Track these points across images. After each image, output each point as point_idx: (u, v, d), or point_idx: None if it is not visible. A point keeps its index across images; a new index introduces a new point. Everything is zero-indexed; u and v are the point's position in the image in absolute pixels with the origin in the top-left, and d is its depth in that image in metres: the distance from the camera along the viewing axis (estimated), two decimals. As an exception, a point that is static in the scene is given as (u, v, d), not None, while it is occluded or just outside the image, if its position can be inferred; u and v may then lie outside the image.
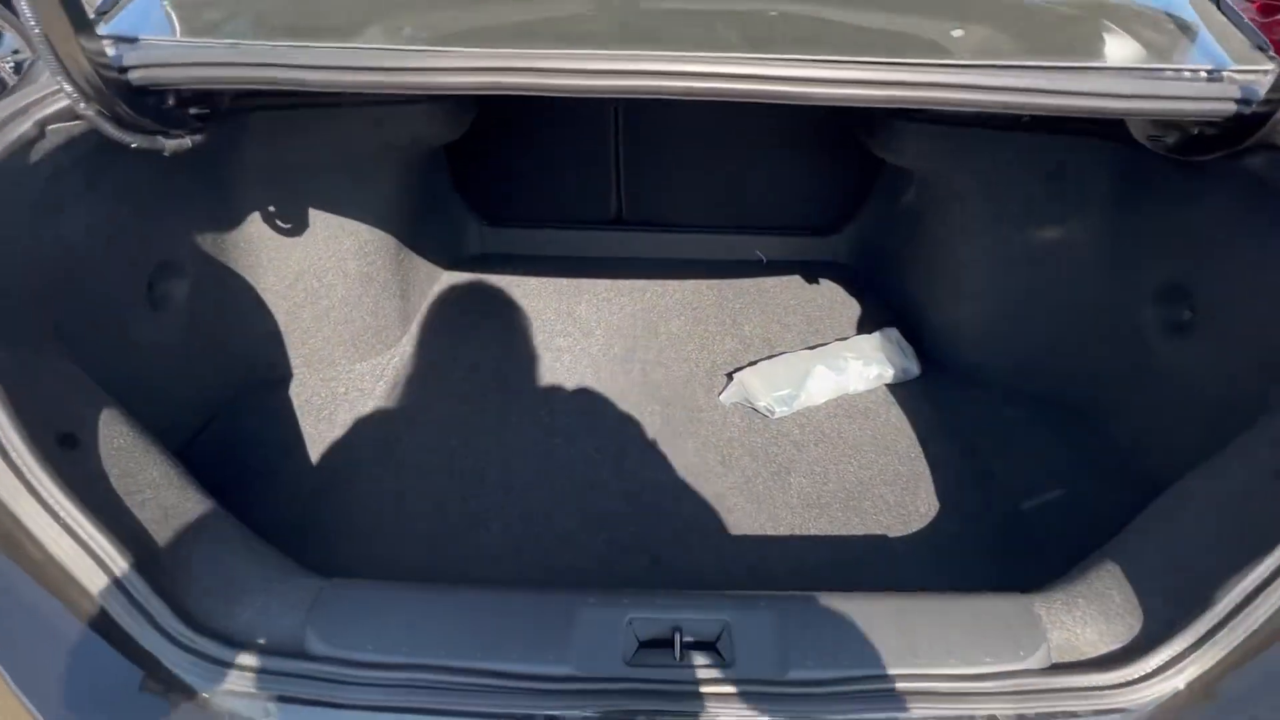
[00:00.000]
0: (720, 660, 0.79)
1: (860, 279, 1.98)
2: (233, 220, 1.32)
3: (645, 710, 0.75)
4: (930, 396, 1.54)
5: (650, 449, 1.39)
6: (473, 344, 1.68)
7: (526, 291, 1.89)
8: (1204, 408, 1.10)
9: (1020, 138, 1.33)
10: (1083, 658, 0.81)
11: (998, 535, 1.24)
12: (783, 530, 1.22)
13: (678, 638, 0.80)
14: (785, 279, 2.00)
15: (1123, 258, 1.28)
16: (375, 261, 1.55)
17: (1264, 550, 0.74)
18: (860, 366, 1.54)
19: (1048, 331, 1.47)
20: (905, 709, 0.76)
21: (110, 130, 0.81)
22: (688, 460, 1.36)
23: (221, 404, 1.37)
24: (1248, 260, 1.02)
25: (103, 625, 0.73)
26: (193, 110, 0.93)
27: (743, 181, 2.03)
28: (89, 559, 0.72)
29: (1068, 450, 1.39)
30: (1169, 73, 0.89)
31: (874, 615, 0.83)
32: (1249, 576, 0.75)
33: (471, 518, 1.24)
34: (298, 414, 1.42)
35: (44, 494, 0.71)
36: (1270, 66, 0.80)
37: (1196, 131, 0.91)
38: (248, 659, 0.77)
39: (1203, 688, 0.76)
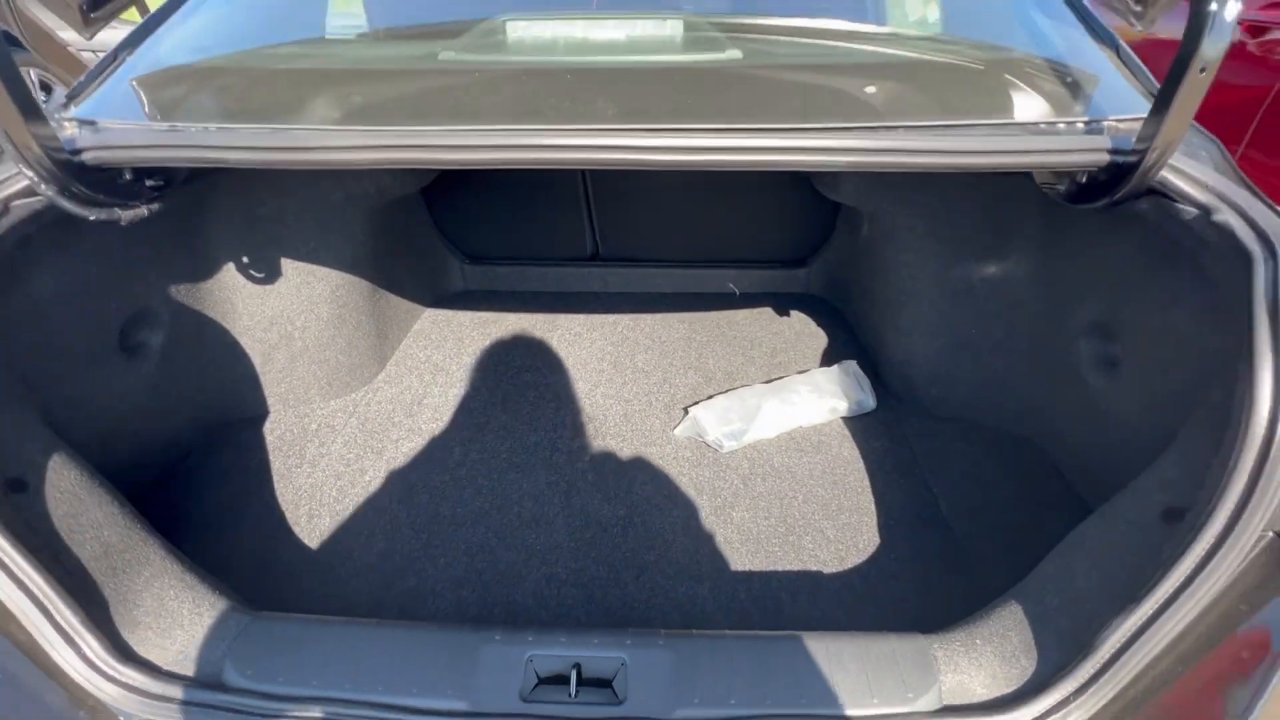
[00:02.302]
0: (613, 698, 0.82)
1: (829, 310, 2.00)
2: (207, 270, 1.42)
3: (537, 746, 0.79)
4: (884, 430, 1.55)
5: (599, 484, 1.42)
6: (442, 381, 1.75)
7: (502, 327, 1.96)
8: (1136, 441, 1.10)
9: (955, 178, 1.35)
10: (973, 700, 0.82)
11: (937, 571, 1.23)
12: (719, 566, 1.24)
13: (574, 674, 0.83)
14: (756, 311, 2.03)
15: (1055, 295, 1.29)
16: (347, 304, 1.64)
17: (1144, 595, 0.75)
18: (815, 399, 1.56)
19: (994, 366, 1.47)
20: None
21: (68, 206, 0.90)
22: (634, 497, 1.39)
23: (196, 441, 1.46)
24: (1154, 299, 1.03)
25: (38, 657, 0.80)
26: (149, 182, 1.02)
27: (713, 217, 2.08)
28: (25, 597, 0.79)
29: (1015, 481, 1.38)
30: (1059, 125, 0.91)
31: (769, 655, 0.85)
32: (1128, 621, 0.75)
33: (421, 553, 1.29)
34: (269, 451, 1.50)
35: None
36: (1144, 115, 0.82)
37: (1084, 179, 0.93)
38: (170, 690, 0.82)
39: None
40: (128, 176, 0.98)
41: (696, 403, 1.61)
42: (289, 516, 1.36)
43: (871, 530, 1.31)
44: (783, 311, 2.03)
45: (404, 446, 1.54)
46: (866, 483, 1.42)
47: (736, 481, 1.42)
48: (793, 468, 1.46)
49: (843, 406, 1.57)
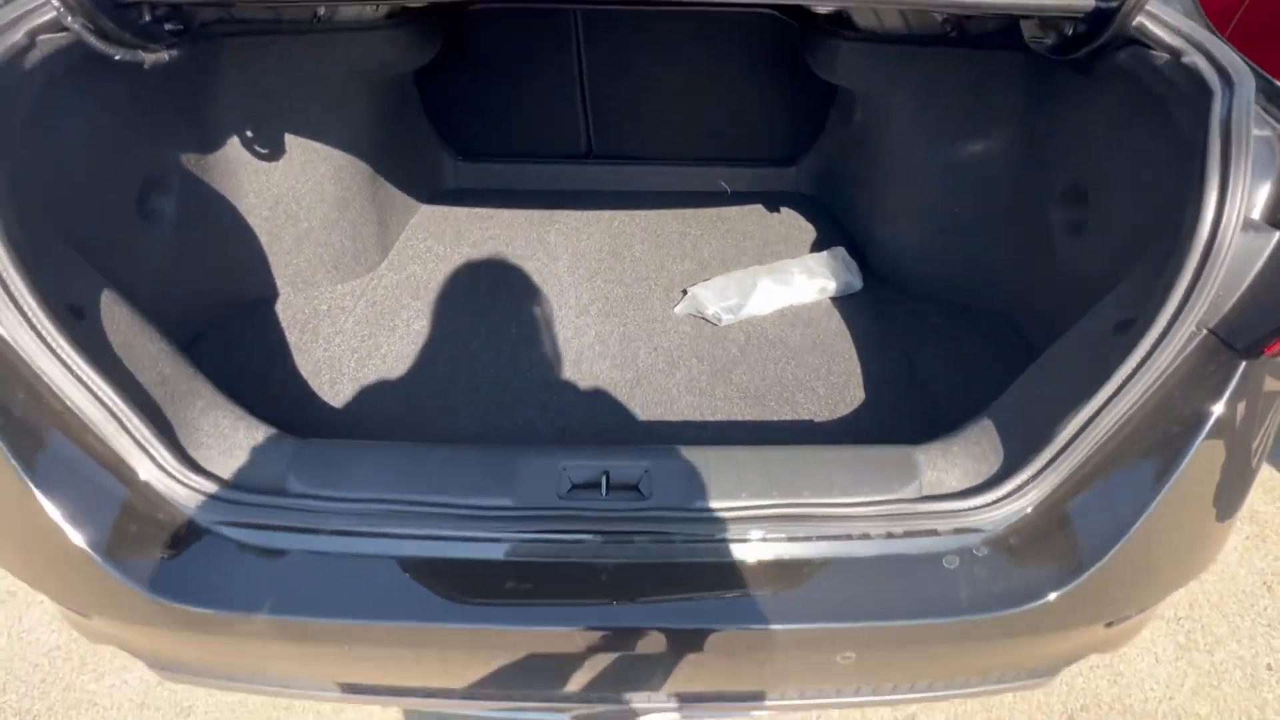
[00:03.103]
0: (639, 495, 0.93)
1: (818, 207, 2.08)
2: (214, 142, 1.42)
3: (574, 530, 0.90)
4: (870, 308, 1.66)
5: (605, 354, 1.52)
6: (446, 268, 1.79)
7: (499, 222, 1.99)
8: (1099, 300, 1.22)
9: (946, 52, 1.41)
10: (949, 491, 0.95)
11: (920, 427, 1.37)
12: (720, 417, 1.36)
13: (604, 479, 0.94)
14: (747, 208, 2.10)
15: (1033, 164, 1.38)
16: (350, 186, 1.65)
17: (1092, 393, 0.87)
18: (805, 280, 1.65)
19: (975, 243, 1.58)
20: (790, 529, 0.90)
21: (95, 43, 0.91)
22: (639, 363, 1.49)
23: (209, 321, 1.50)
24: (1125, 154, 1.12)
25: (113, 464, 0.87)
26: (168, 26, 1.02)
27: (706, 114, 2.11)
28: (100, 409, 0.86)
29: (992, 353, 1.51)
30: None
31: (774, 461, 0.97)
32: (1078, 416, 0.88)
33: (441, 414, 1.38)
34: (284, 328, 1.55)
35: (60, 351, 0.84)
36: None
37: (1070, 31, 1.01)
38: (237, 495, 0.91)
39: (1048, 509, 0.90)
40: (147, 17, 0.98)
41: (694, 284, 1.69)
42: (311, 384, 1.43)
43: (858, 390, 1.44)
44: (773, 208, 2.09)
45: (415, 325, 1.60)
46: (853, 352, 1.54)
47: (734, 350, 1.53)
48: (786, 339, 1.56)
49: (831, 287, 1.67)
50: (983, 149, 1.49)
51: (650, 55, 1.96)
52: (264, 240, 1.55)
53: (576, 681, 0.94)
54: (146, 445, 0.87)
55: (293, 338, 1.52)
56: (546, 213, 2.04)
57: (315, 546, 0.89)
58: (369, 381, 1.44)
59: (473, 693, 0.99)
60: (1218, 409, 0.80)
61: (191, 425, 0.97)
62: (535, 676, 0.94)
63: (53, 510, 0.82)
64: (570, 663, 0.93)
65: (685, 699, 0.99)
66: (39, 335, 0.82)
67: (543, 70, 1.98)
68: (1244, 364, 0.80)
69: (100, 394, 0.85)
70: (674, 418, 1.36)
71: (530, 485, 0.93)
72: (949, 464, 0.97)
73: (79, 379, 0.84)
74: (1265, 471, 2.17)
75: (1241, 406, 0.81)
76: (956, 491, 0.94)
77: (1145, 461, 0.85)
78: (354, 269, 1.72)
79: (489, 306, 1.67)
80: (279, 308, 1.59)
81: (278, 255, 1.59)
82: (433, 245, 1.88)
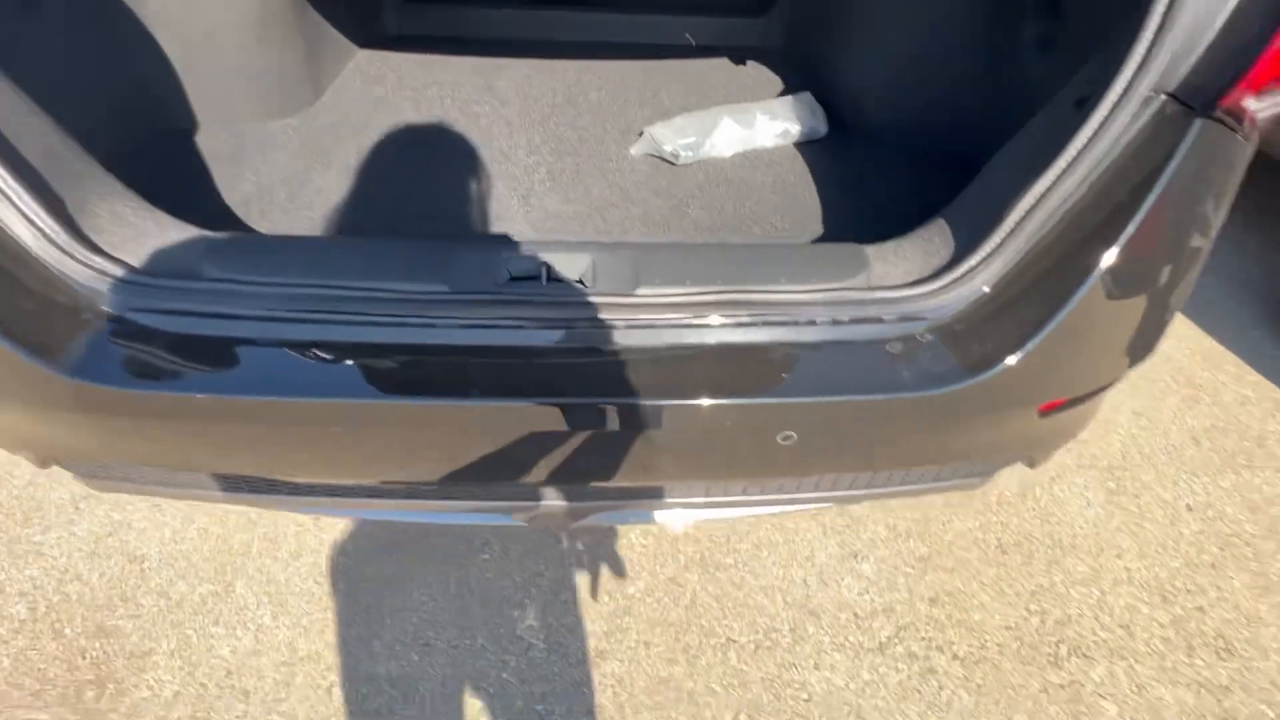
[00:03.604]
0: (583, 285, 0.89)
1: (786, 59, 1.97)
2: None
3: (512, 317, 0.86)
4: (833, 153, 1.60)
5: (557, 189, 1.44)
6: (387, 110, 1.66)
7: (445, 69, 1.85)
8: None
9: None
10: (896, 282, 0.94)
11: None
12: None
13: (545, 271, 0.90)
14: (713, 60, 1.98)
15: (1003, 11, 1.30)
16: (271, 7, 1.49)
17: (1045, 168, 0.84)
18: (768, 121, 1.58)
19: (943, 83, 1.51)
20: (735, 315, 0.88)
21: None
22: (593, 198, 1.43)
23: (120, 149, 1.36)
24: None
25: (17, 255, 0.80)
26: None
27: None
28: None
29: (951, 193, 1.48)
30: None
31: (721, 254, 0.94)
32: (1029, 193, 0.85)
33: (402, 242, 1.30)
34: (206, 159, 1.43)
35: None
36: None
37: None
38: (145, 279, 0.84)
39: (993, 295, 0.89)
40: None
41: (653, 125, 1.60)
42: (239, 213, 1.33)
43: (817, 226, 1.40)
44: (739, 60, 1.98)
45: (353, 160, 1.49)
46: (815, 193, 1.49)
47: (692, 187, 1.47)
48: (746, 179, 1.51)
49: (795, 130, 1.60)
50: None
51: None
52: (175, 58, 1.41)
53: (518, 476, 0.94)
54: (33, 217, 0.80)
55: (217, 169, 1.41)
56: (496, 60, 1.89)
57: (237, 332, 0.84)
58: (302, 214, 1.35)
59: (415, 491, 0.98)
60: (1168, 172, 0.79)
61: (88, 210, 0.88)
62: (476, 469, 0.93)
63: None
64: (511, 455, 0.91)
65: (628, 495, 1.00)
66: None
67: None
68: (1200, 122, 0.78)
69: None
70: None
71: (468, 273, 0.88)
72: (899, 259, 0.95)
73: None
74: (1207, 342, 2.25)
75: (1194, 169, 0.80)
76: (904, 282, 0.92)
77: (1092, 236, 0.84)
78: (283, 105, 1.59)
79: (434, 146, 1.56)
80: (200, 139, 1.47)
81: (194, 79, 1.45)
82: (372, 88, 1.74)
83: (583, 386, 0.85)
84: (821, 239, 1.37)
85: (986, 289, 0.89)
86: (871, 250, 0.96)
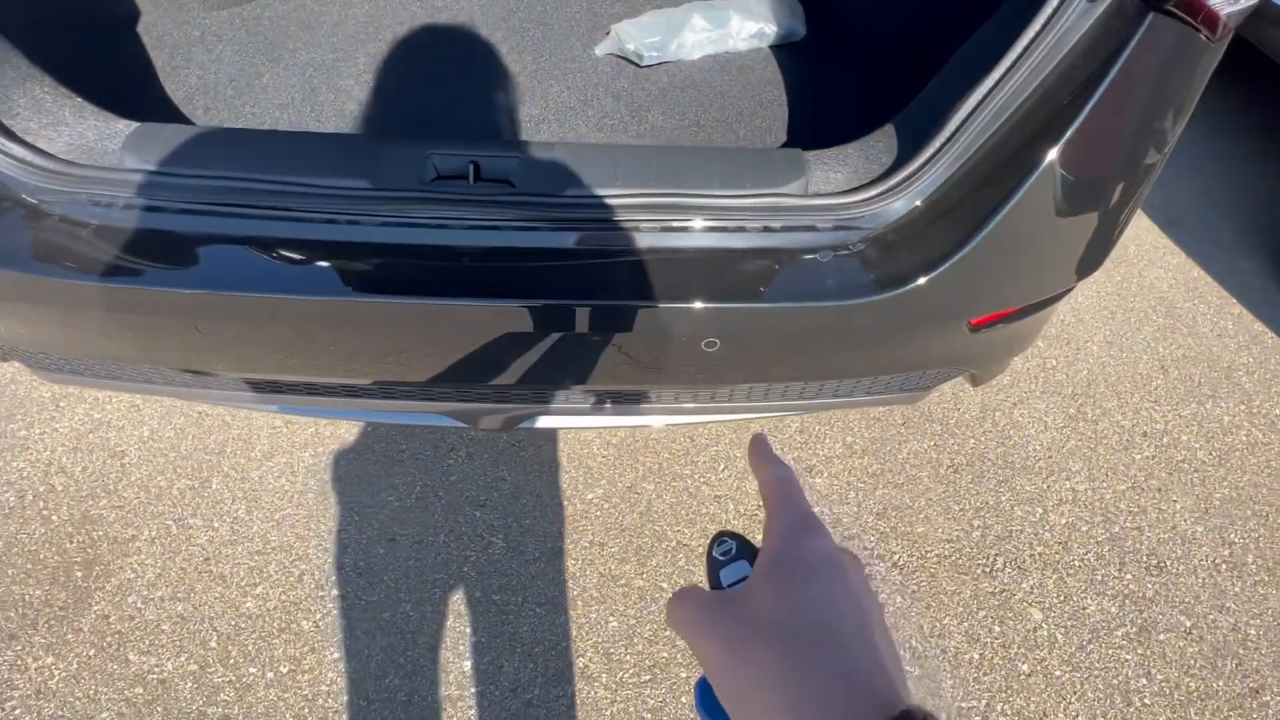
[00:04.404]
0: (509, 186, 0.88)
1: None
2: None
3: (435, 215, 0.85)
4: (811, 56, 1.52)
5: (514, 91, 1.39)
6: (339, 2, 1.57)
7: (407, -44, 1.73)
8: None
9: None
10: (834, 189, 0.91)
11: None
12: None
13: (473, 169, 0.88)
14: (694, -46, 1.84)
15: None
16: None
17: (992, 65, 0.80)
18: (741, 21, 1.49)
19: None
20: (664, 218, 0.86)
21: None
22: (549, 100, 1.37)
23: (51, 40, 1.30)
24: None
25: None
26: None
27: None
28: None
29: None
30: None
31: (656, 155, 0.91)
32: (974, 93, 0.81)
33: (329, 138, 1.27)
34: (149, 51, 1.37)
35: None
36: None
37: None
38: (64, 168, 0.83)
39: (930, 205, 0.87)
40: None
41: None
42: (183, 109, 1.29)
43: (782, 134, 1.35)
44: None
45: (302, 56, 1.43)
46: (784, 100, 1.43)
47: (654, 91, 1.41)
48: (713, 84, 1.44)
49: (771, 32, 1.51)
50: None
51: None
52: None
53: (440, 376, 0.95)
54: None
55: (160, 61, 1.36)
56: None
57: (156, 224, 0.83)
58: (246, 110, 1.31)
59: (344, 388, 1.00)
60: (1113, 72, 0.74)
61: (3, 96, 0.86)
62: (395, 368, 0.95)
63: None
64: (433, 355, 0.93)
65: (551, 398, 1.02)
66: None
67: None
68: (1152, 16, 0.73)
69: None
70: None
71: (392, 170, 0.86)
72: (840, 165, 0.92)
73: None
74: (1194, 272, 2.20)
75: (1144, 70, 0.75)
76: (841, 190, 0.90)
77: (1030, 143, 0.80)
78: (230, -8, 1.50)
79: (388, 39, 1.49)
80: (142, 29, 1.40)
81: None
82: (325, -24, 1.64)
83: (507, 288, 0.85)
84: (784, 147, 1.32)
85: (920, 201, 0.86)
86: (812, 156, 0.93)
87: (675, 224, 0.86)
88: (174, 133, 0.88)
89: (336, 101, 1.33)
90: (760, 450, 0.40)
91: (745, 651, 0.30)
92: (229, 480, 1.60)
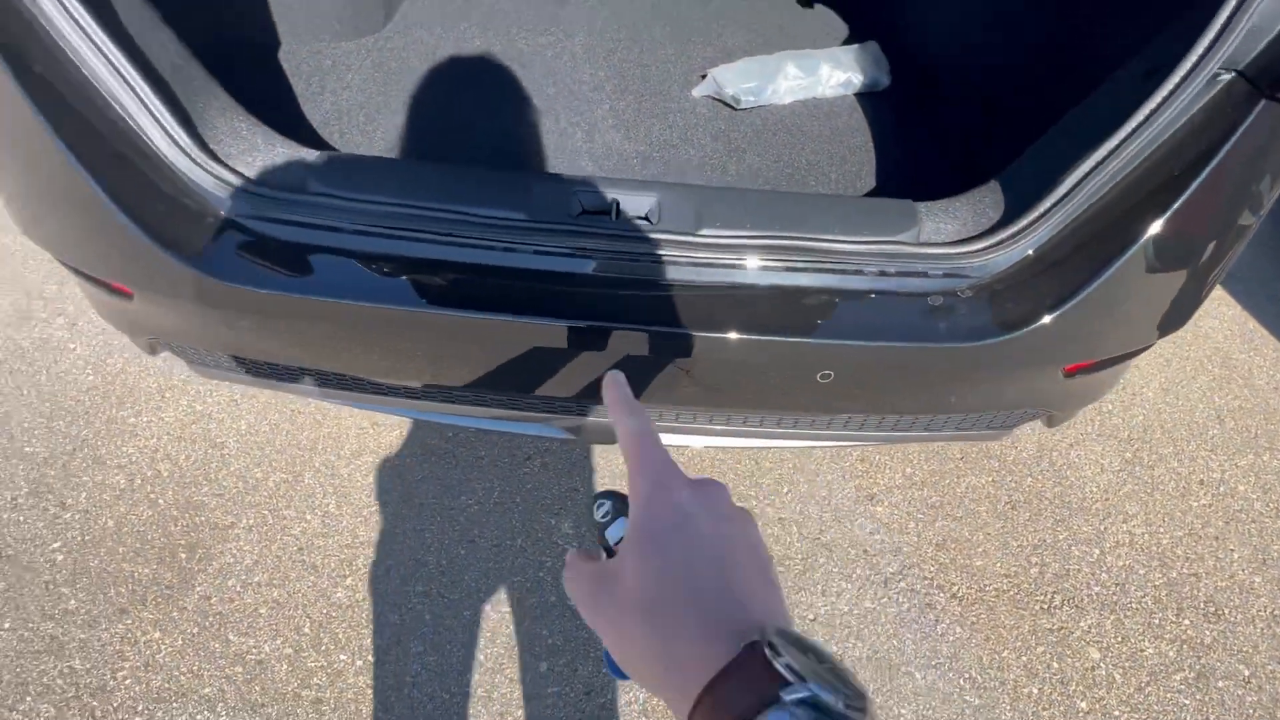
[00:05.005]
0: (648, 222, 0.97)
1: (853, 8, 1.93)
2: None
3: (583, 246, 0.94)
4: (895, 105, 1.61)
5: (619, 126, 1.49)
6: (455, 35, 1.70)
7: (509, -5, 1.86)
8: None
9: None
10: (945, 239, 0.99)
11: None
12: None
13: (615, 206, 0.97)
14: (777, 2, 1.95)
15: None
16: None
17: (1105, 138, 0.87)
18: (830, 70, 1.58)
19: (1007, 46, 1.49)
20: (788, 259, 0.95)
21: None
22: (652, 137, 1.47)
23: (218, 66, 1.43)
24: None
25: (138, 145, 0.89)
26: None
27: None
28: (123, 86, 0.86)
29: (1018, 146, 1.48)
30: None
31: (779, 202, 1.00)
32: (1086, 161, 0.89)
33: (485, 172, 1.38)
34: (289, 76, 1.50)
35: (84, 24, 0.82)
36: None
37: None
38: (261, 189, 0.94)
39: (1038, 258, 0.94)
40: None
41: (716, 67, 1.62)
42: (321, 132, 1.41)
43: (870, 179, 1.44)
44: (805, 3, 1.95)
45: (424, 86, 1.55)
46: (872, 147, 1.51)
47: (750, 133, 1.50)
48: (804, 128, 1.53)
49: (858, 81, 1.60)
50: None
51: None
52: None
53: (571, 391, 1.04)
54: (166, 126, 0.89)
55: (298, 87, 1.48)
56: None
57: (336, 243, 0.93)
58: (379, 136, 1.43)
59: (475, 397, 1.09)
60: (1224, 151, 0.81)
61: (209, 122, 0.97)
62: (535, 380, 1.03)
63: (94, 186, 0.85)
64: (572, 373, 1.01)
65: (673, 418, 1.10)
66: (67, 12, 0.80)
67: None
68: (1264, 103, 0.80)
69: (119, 65, 0.85)
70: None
71: (544, 203, 0.96)
72: (949, 217, 1.00)
73: (99, 49, 0.83)
74: (1250, 324, 2.24)
75: (1252, 150, 0.82)
76: (952, 240, 0.98)
77: (1139, 208, 0.88)
78: (357, 26, 1.63)
79: (500, 74, 1.61)
80: (282, 57, 1.53)
81: (280, 1, 1.50)
82: (438, 13, 1.77)
83: (643, 315, 0.93)
84: (874, 193, 1.40)
85: (1030, 252, 0.94)
86: (923, 208, 1.01)
87: (799, 264, 0.94)
88: (352, 161, 0.99)
89: (460, 130, 1.44)
90: (618, 396, 0.40)
91: (623, 628, 0.32)
92: (320, 475, 1.69)
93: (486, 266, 0.93)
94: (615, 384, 0.41)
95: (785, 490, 1.74)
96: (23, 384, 1.80)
